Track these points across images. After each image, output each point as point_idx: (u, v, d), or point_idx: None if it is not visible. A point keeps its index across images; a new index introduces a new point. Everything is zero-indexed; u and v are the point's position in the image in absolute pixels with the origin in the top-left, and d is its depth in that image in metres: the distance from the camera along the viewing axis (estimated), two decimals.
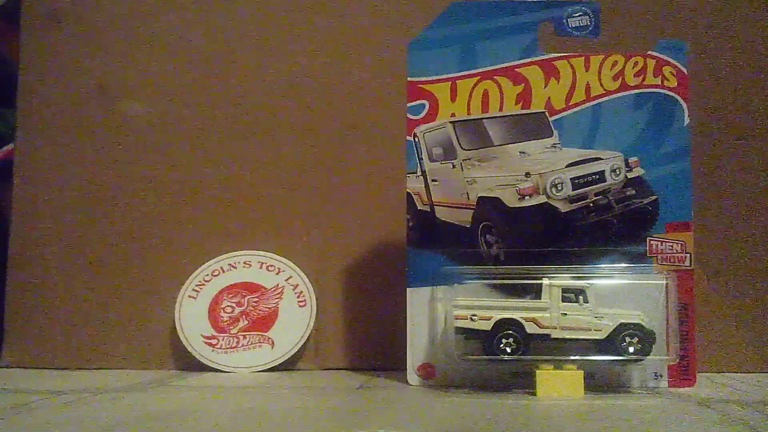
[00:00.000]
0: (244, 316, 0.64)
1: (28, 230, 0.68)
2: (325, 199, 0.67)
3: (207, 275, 0.65)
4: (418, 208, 0.55)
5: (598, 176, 0.54)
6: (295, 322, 0.64)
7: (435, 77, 0.55)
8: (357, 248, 0.66)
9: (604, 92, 0.54)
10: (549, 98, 0.55)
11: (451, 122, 0.55)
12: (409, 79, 0.55)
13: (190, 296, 0.65)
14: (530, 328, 0.50)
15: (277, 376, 0.61)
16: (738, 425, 0.40)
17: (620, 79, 0.54)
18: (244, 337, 0.63)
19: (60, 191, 0.68)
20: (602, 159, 0.54)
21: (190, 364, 0.63)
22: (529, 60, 0.55)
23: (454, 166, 0.55)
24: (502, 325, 0.50)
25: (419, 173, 0.55)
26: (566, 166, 0.54)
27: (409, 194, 0.55)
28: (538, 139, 0.55)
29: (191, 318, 0.64)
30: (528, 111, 0.55)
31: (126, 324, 0.66)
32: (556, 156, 0.54)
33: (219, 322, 0.64)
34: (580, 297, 0.50)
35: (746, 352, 0.62)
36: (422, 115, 0.55)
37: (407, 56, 0.55)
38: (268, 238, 0.67)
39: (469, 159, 0.55)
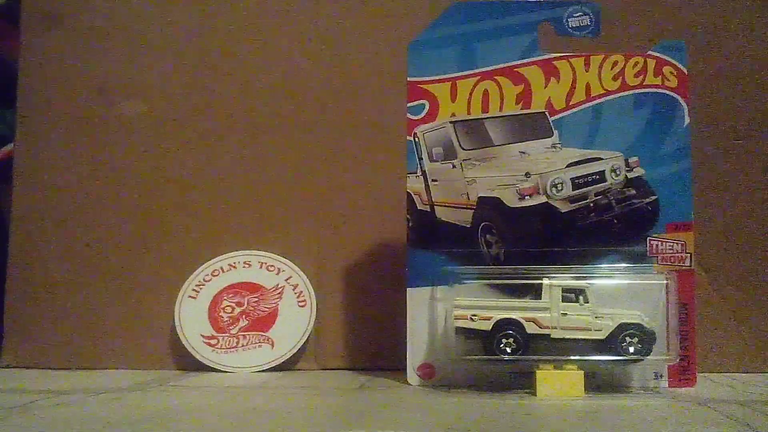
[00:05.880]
0: (244, 316, 0.64)
1: (28, 230, 0.68)
2: (325, 199, 0.67)
3: (207, 275, 0.65)
4: (418, 208, 0.55)
5: (598, 176, 0.54)
6: (295, 322, 0.64)
7: (435, 77, 0.55)
8: (357, 248, 0.66)
9: (604, 92, 0.54)
10: (549, 98, 0.55)
11: (451, 122, 0.55)
12: (409, 79, 0.55)
13: (190, 296, 0.65)
14: (530, 328, 0.50)
15: (277, 376, 0.61)
16: (738, 425, 0.40)
17: (620, 79, 0.54)
18: (244, 337, 0.63)
19: (60, 191, 0.68)
20: (602, 159, 0.54)
21: (190, 364, 0.63)
22: (529, 60, 0.55)
23: (454, 166, 0.55)
24: (502, 325, 0.50)
25: (419, 173, 0.55)
26: (566, 166, 0.54)
27: (409, 194, 0.55)
28: (538, 139, 0.55)
29: (191, 318, 0.64)
30: (528, 111, 0.55)
31: (126, 324, 0.66)
32: (556, 156, 0.54)
33: (219, 322, 0.64)
34: (581, 297, 0.50)
35: (746, 352, 0.62)
36: (422, 115, 0.55)
37: (407, 56, 0.55)
38: (268, 238, 0.67)
39: (469, 159, 0.55)
